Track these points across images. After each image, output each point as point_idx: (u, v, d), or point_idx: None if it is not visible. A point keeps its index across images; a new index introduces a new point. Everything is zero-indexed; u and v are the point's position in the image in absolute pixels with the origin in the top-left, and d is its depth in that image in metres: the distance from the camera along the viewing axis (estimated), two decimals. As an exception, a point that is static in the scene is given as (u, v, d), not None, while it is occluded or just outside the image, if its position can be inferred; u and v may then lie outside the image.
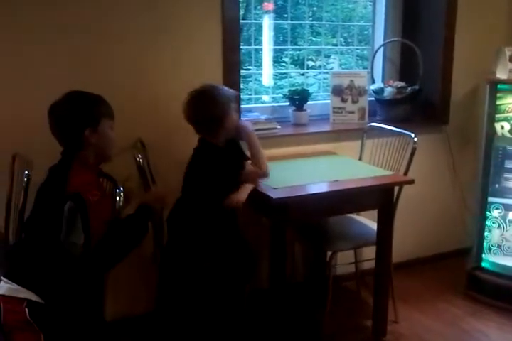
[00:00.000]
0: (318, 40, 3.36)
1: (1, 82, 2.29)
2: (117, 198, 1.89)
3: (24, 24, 2.29)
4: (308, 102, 3.07)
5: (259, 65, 3.20)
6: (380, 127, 2.94)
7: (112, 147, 1.92)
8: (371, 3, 3.34)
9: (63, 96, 1.84)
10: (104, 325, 1.94)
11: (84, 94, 1.86)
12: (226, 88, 2.35)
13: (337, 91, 3.14)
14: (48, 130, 1.84)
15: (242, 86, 2.85)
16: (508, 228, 2.96)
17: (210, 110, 2.23)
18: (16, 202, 2.07)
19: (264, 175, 2.34)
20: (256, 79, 3.23)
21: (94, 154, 1.85)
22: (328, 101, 3.17)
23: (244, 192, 2.27)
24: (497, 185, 2.99)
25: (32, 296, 1.67)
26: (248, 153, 2.37)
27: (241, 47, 2.77)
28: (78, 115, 1.80)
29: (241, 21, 2.78)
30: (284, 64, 3.36)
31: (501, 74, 2.94)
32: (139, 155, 2.40)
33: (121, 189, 1.91)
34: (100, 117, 1.84)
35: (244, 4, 3.08)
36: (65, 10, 2.35)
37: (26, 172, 1.96)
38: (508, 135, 2.91)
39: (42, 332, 1.66)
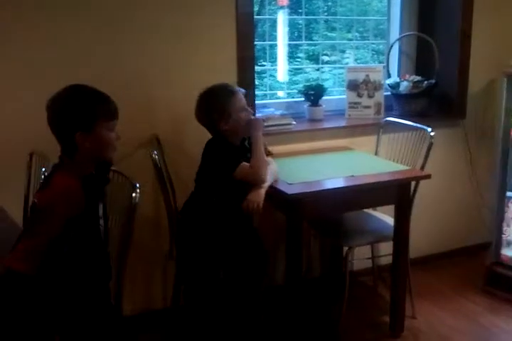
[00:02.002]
0: (334, 35, 3.34)
1: (16, 80, 2.32)
2: (133, 194, 1.89)
3: (33, 23, 2.32)
4: (324, 97, 3.06)
5: (274, 60, 3.20)
6: (397, 122, 2.92)
7: (111, 149, 1.78)
8: (386, -3, 3.31)
9: (61, 91, 1.71)
10: (121, 320, 1.95)
11: (83, 92, 1.72)
12: (226, 85, 2.29)
13: (352, 86, 3.12)
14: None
15: (256, 82, 2.84)
16: (527, 223, 2.93)
17: (204, 110, 2.24)
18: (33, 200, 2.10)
19: (258, 180, 2.20)
20: (271, 75, 3.23)
21: (89, 157, 1.73)
22: (344, 96, 3.16)
23: (260, 193, 2.19)
24: (515, 180, 2.95)
25: None
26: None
27: (255, 43, 2.77)
28: (70, 117, 1.66)
29: (255, 17, 2.77)
30: (299, 59, 3.35)
31: (519, 68, 2.90)
32: (155, 152, 2.42)
33: (138, 185, 1.91)
34: (95, 120, 1.69)
35: (259, 0, 3.07)
36: (86, 11, 2.38)
37: (43, 169, 1.99)
38: (527, 129, 2.87)
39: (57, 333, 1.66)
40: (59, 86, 2.27)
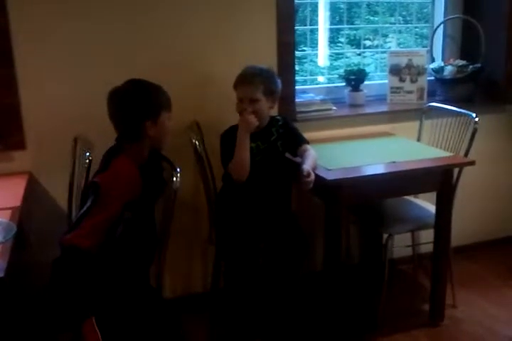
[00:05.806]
0: (376, 19, 3.28)
1: (62, 67, 2.37)
2: (174, 179, 1.92)
3: (83, 15, 2.36)
4: (365, 82, 3.02)
5: (314, 45, 3.16)
6: (440, 107, 2.86)
7: (167, 139, 1.93)
8: (431, -21, 3.23)
9: (126, 84, 1.85)
10: (162, 302, 1.99)
11: (147, 84, 1.86)
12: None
13: (395, 70, 3.06)
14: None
15: (297, 67, 2.82)
16: None
17: None
18: (78, 184, 2.15)
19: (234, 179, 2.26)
20: (311, 60, 3.20)
21: (148, 146, 1.87)
22: (386, 81, 3.10)
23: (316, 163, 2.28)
24: None
25: None
26: None
27: (296, 27, 2.75)
28: (141, 106, 1.81)
29: (296, 1, 2.74)
30: (340, 44, 3.30)
31: None
32: (195, 138, 2.44)
33: (178, 170, 1.94)
34: (161, 109, 1.85)
35: (300, -16, 3.03)
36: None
37: (87, 154, 2.03)
38: None
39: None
40: (101, 74, 2.34)
